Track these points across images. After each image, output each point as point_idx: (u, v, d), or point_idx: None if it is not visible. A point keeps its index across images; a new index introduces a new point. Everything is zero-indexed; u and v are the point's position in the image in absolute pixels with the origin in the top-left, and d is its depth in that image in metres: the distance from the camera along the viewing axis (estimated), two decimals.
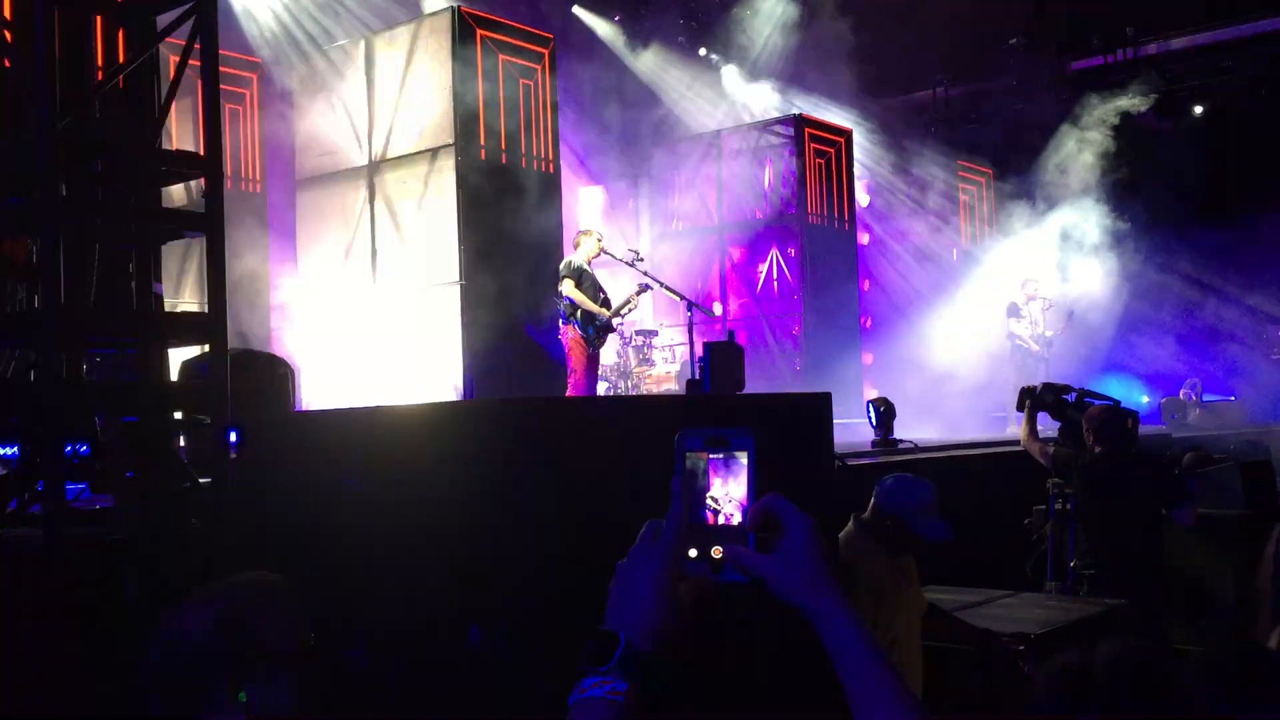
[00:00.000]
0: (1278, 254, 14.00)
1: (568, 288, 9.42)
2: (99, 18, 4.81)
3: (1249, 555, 6.45)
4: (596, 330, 9.52)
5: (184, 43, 4.80)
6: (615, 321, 9.83)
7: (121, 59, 5.02)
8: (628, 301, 9.79)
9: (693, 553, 1.25)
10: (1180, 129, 16.48)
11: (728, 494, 1.26)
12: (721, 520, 1.26)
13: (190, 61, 4.75)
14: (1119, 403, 6.70)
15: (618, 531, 1.40)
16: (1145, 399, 14.81)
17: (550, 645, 3.37)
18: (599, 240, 9.79)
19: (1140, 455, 6.51)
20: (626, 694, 1.17)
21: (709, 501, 1.26)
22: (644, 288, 9.86)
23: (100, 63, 4.86)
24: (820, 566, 1.23)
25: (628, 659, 1.19)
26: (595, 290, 9.57)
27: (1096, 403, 6.67)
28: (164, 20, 4.82)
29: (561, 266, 9.58)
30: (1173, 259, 15.70)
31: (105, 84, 4.52)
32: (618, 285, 10.41)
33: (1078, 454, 6.50)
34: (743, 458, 1.26)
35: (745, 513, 1.25)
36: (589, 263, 9.65)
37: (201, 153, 4.61)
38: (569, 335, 9.48)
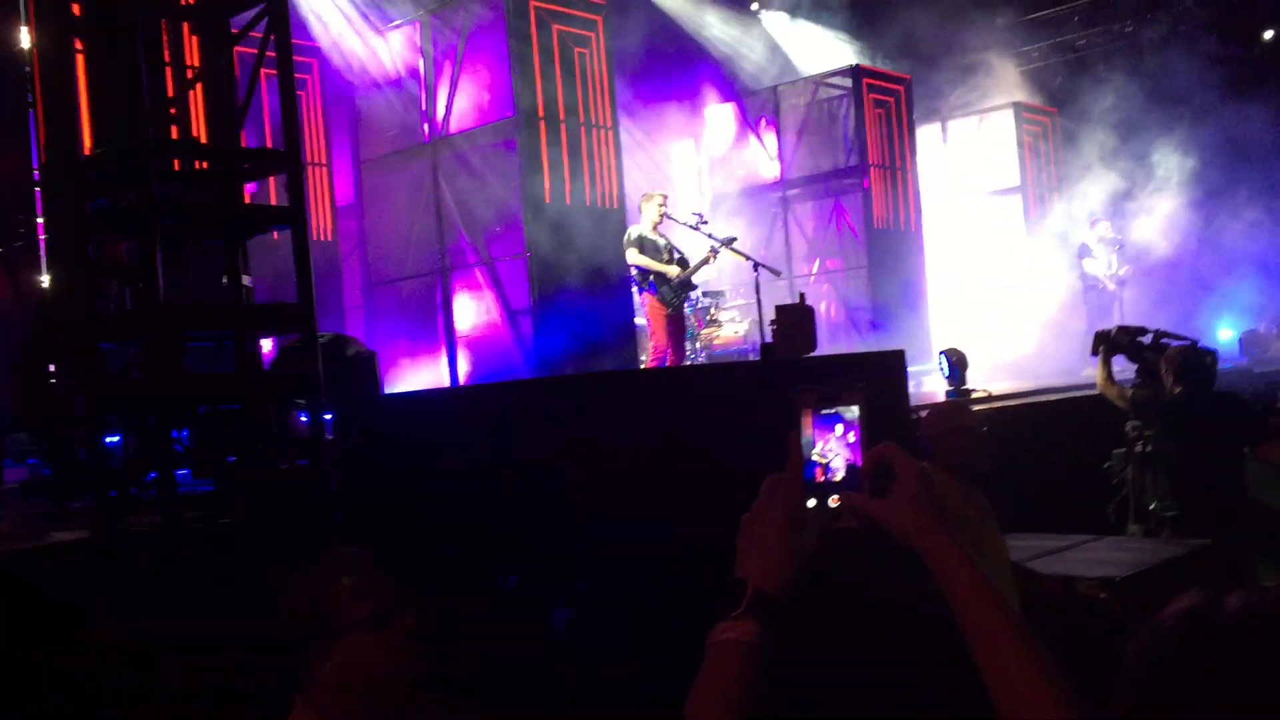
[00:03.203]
0: None
1: (632, 256, 9.38)
2: (168, 23, 4.95)
3: None
4: (673, 290, 9.43)
5: (259, 36, 4.93)
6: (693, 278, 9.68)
7: (194, 60, 5.17)
8: (697, 266, 9.68)
9: (811, 502, 1.33)
10: (1257, 58, 16.07)
11: (841, 446, 1.33)
12: (837, 471, 1.33)
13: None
14: (1196, 341, 6.62)
15: (743, 485, 1.48)
16: (1228, 333, 14.52)
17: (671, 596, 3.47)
18: (660, 206, 9.63)
19: (1220, 393, 6.44)
20: (757, 634, 1.26)
21: (825, 453, 1.34)
22: (713, 251, 9.68)
23: (168, 60, 5.00)
24: (932, 509, 1.30)
25: (757, 603, 1.28)
26: (658, 254, 9.48)
27: (1174, 343, 6.61)
28: (238, 21, 4.95)
29: (625, 236, 9.57)
30: (1247, 190, 15.36)
31: (188, 88, 4.66)
32: (690, 245, 10.37)
33: (1157, 395, 6.45)
34: (853, 411, 1.34)
35: (858, 462, 1.33)
36: (655, 227, 9.57)
37: (282, 148, 4.75)
38: (647, 302, 9.43)
